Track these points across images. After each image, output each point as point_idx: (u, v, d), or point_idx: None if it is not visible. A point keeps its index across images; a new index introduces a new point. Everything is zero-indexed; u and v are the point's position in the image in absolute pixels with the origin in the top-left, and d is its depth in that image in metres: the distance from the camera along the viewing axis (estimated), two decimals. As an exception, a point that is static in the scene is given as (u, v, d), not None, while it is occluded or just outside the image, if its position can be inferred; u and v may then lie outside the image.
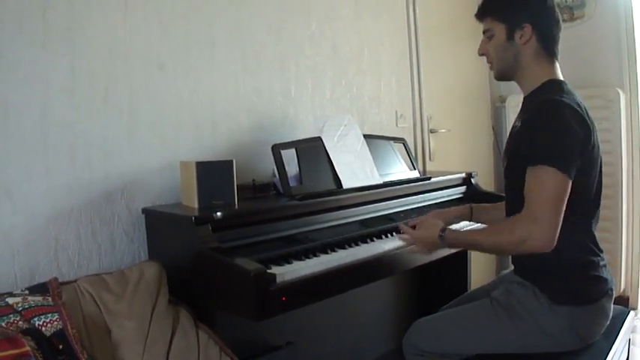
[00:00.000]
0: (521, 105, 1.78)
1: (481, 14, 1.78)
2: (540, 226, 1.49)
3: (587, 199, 1.64)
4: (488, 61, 1.80)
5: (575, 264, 1.63)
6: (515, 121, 1.76)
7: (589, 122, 1.60)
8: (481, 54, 1.81)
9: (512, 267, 1.85)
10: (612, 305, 1.71)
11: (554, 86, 1.68)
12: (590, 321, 1.65)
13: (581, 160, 1.56)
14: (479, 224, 2.07)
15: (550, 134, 1.53)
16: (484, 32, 1.78)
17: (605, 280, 1.67)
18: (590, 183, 1.63)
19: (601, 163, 1.67)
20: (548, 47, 1.70)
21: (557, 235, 1.50)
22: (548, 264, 1.60)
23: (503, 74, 1.78)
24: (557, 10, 1.72)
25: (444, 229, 1.71)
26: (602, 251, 1.69)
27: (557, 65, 1.73)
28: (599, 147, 1.65)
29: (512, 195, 1.71)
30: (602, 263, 1.68)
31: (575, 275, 1.64)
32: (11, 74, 1.70)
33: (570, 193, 1.52)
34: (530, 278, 1.69)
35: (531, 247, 1.51)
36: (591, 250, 1.66)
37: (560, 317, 1.61)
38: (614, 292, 1.70)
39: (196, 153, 2.15)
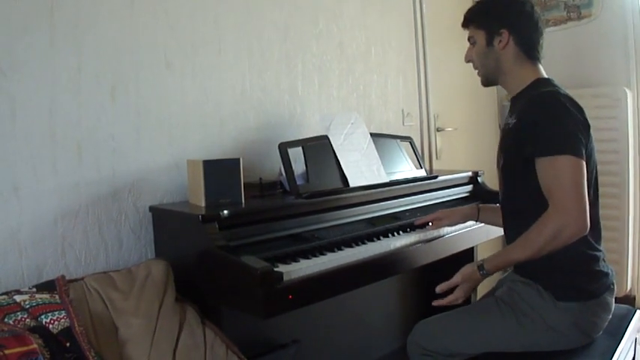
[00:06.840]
0: (509, 105, 1.82)
1: (465, 22, 1.85)
2: (570, 213, 1.51)
3: None
4: (474, 68, 1.87)
5: (577, 259, 1.64)
6: (506, 119, 1.79)
7: (586, 115, 1.63)
8: (467, 61, 1.88)
9: (510, 268, 1.84)
10: (614, 300, 1.72)
11: (543, 83, 1.73)
12: (594, 316, 1.65)
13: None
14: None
15: (553, 123, 1.57)
16: (468, 39, 1.85)
17: (607, 274, 1.68)
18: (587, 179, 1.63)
19: (595, 166, 1.68)
20: (528, 51, 1.76)
21: (588, 217, 1.52)
22: (550, 260, 1.60)
23: (487, 78, 1.85)
24: (536, 15, 1.77)
25: (480, 266, 1.67)
26: (601, 245, 1.70)
27: (541, 67, 1.78)
28: (593, 148, 1.66)
29: (510, 190, 1.76)
30: (602, 257, 1.69)
31: (578, 271, 1.65)
32: (19, 72, 1.70)
33: None
34: (533, 276, 1.69)
35: (568, 236, 1.53)
36: (591, 245, 1.66)
37: (565, 314, 1.62)
38: (615, 286, 1.72)
39: (203, 151, 2.15)
